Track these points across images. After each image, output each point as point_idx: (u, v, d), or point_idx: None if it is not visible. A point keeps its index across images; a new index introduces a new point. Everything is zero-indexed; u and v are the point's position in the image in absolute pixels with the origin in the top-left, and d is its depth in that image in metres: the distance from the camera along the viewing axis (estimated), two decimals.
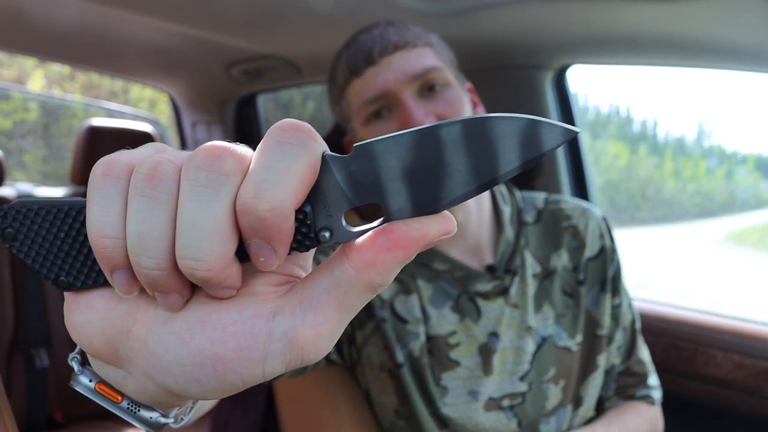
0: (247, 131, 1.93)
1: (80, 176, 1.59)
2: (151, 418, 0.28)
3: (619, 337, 0.82)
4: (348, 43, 0.78)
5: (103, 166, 0.23)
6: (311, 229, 0.23)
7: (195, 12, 1.17)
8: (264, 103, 1.98)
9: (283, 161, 0.22)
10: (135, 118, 2.46)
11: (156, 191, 0.22)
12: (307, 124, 0.23)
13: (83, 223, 0.24)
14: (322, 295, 0.24)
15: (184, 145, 2.08)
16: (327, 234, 0.23)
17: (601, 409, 0.83)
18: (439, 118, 0.71)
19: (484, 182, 0.23)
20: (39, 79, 4.61)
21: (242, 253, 0.23)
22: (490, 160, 0.23)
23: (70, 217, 0.24)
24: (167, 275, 0.22)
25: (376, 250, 0.23)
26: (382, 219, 0.24)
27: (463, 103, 0.75)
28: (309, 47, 1.34)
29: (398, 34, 0.74)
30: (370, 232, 0.23)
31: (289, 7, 1.13)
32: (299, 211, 0.23)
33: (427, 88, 0.73)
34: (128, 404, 0.27)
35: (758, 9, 0.83)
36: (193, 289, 0.24)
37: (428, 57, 0.74)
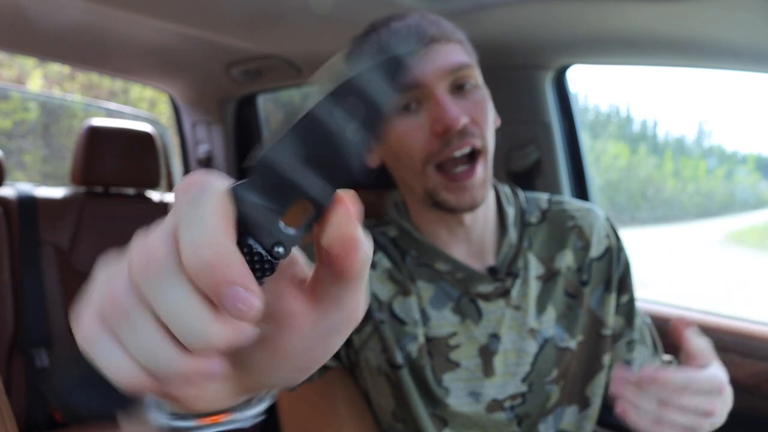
0: (247, 131, 1.93)
1: (80, 176, 1.59)
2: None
3: (633, 333, 0.81)
4: (377, 28, 0.74)
5: (83, 329, 0.24)
6: (264, 253, 0.24)
7: (195, 12, 1.17)
8: (264, 103, 1.98)
9: (196, 211, 0.23)
10: (135, 118, 2.45)
11: (130, 317, 0.23)
12: (198, 174, 0.24)
13: None
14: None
15: (184, 145, 2.08)
16: (280, 249, 0.24)
17: None
18: (471, 119, 0.70)
19: (375, 126, 0.24)
20: (38, 79, 4.60)
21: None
22: (370, 106, 0.24)
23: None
24: (184, 360, 0.24)
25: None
26: (314, 211, 0.25)
27: (489, 104, 0.74)
28: (309, 47, 1.34)
29: (433, 25, 0.72)
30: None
31: (289, 7, 1.13)
32: (243, 245, 0.24)
33: (458, 86, 0.71)
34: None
35: (758, 9, 0.83)
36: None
37: (461, 53, 0.72)
